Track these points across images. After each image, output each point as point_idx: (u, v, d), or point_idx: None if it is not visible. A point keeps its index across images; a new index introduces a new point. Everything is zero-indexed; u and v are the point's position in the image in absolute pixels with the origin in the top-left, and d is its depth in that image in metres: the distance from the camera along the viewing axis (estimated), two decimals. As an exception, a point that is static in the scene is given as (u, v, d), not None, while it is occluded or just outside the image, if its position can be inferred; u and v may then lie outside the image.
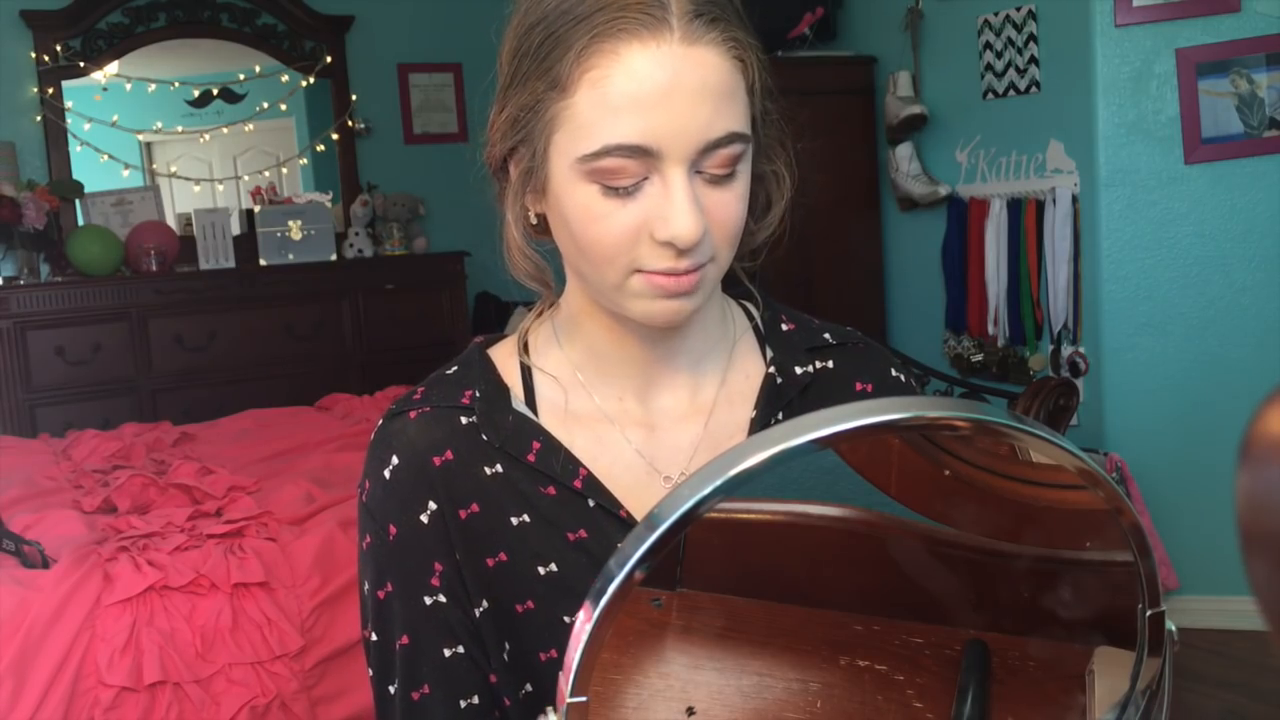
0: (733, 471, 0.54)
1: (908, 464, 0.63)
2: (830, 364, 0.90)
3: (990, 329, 3.40)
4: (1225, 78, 2.88)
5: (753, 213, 0.81)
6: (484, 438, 0.84)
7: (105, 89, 4.23)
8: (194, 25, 4.31)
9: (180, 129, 4.43)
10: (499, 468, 0.83)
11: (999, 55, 3.28)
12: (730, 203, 0.75)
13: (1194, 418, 2.96)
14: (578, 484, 0.82)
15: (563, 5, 0.72)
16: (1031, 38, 3.17)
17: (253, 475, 2.60)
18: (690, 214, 0.71)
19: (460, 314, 4.32)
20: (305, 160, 4.58)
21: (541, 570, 0.82)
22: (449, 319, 4.29)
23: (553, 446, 0.83)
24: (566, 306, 0.86)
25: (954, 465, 0.63)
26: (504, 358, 0.88)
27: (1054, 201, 3.12)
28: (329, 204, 4.38)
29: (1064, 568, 0.68)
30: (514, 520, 0.83)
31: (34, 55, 4.06)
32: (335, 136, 4.51)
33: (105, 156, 4.21)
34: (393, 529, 0.84)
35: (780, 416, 0.86)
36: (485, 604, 0.83)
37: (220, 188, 4.48)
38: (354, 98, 4.52)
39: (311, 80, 4.48)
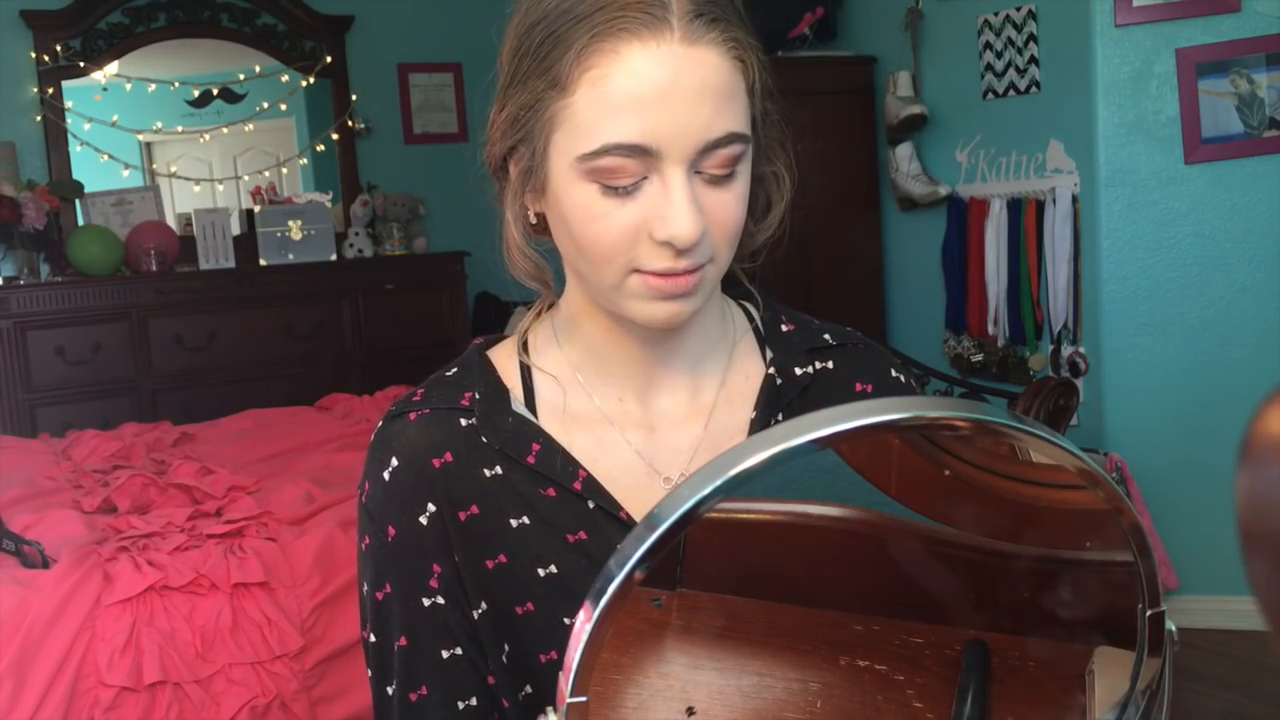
0: (733, 471, 0.54)
1: (908, 464, 0.63)
2: (830, 365, 0.90)
3: (990, 329, 3.40)
4: (1225, 78, 2.88)
5: (752, 214, 0.81)
6: (483, 440, 0.84)
7: (105, 89, 4.23)
8: (194, 25, 4.31)
9: (180, 129, 4.43)
10: (498, 469, 0.83)
11: (999, 55, 3.28)
12: (730, 203, 0.74)
13: (1194, 418, 2.96)
14: (577, 486, 0.82)
15: (563, 5, 0.72)
16: (1031, 38, 3.17)
17: (253, 475, 2.60)
18: (689, 214, 0.71)
19: (460, 314, 4.32)
20: (305, 160, 4.58)
21: (541, 572, 0.82)
22: (449, 319, 4.29)
23: (552, 448, 0.83)
24: (566, 307, 0.86)
25: (954, 465, 0.63)
26: (503, 359, 0.88)
27: (1054, 201, 3.12)
28: (329, 204, 4.38)
29: (1064, 568, 0.68)
30: (513, 522, 0.83)
31: (34, 55, 4.06)
32: (335, 136, 4.51)
33: (105, 156, 4.21)
34: (391, 530, 0.84)
35: (780, 417, 0.86)
36: (484, 606, 0.83)
37: (220, 188, 4.48)
38: (354, 98, 4.52)
39: (311, 80, 4.48)
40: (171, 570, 1.98)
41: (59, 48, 4.08)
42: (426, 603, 0.83)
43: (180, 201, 4.41)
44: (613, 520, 0.82)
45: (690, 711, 0.63)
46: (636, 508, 0.82)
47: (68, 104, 4.12)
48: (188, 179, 4.44)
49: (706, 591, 0.64)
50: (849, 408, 0.55)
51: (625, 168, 0.71)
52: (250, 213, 4.30)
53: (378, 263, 4.29)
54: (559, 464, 0.83)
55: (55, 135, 4.10)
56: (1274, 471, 0.34)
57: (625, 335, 0.84)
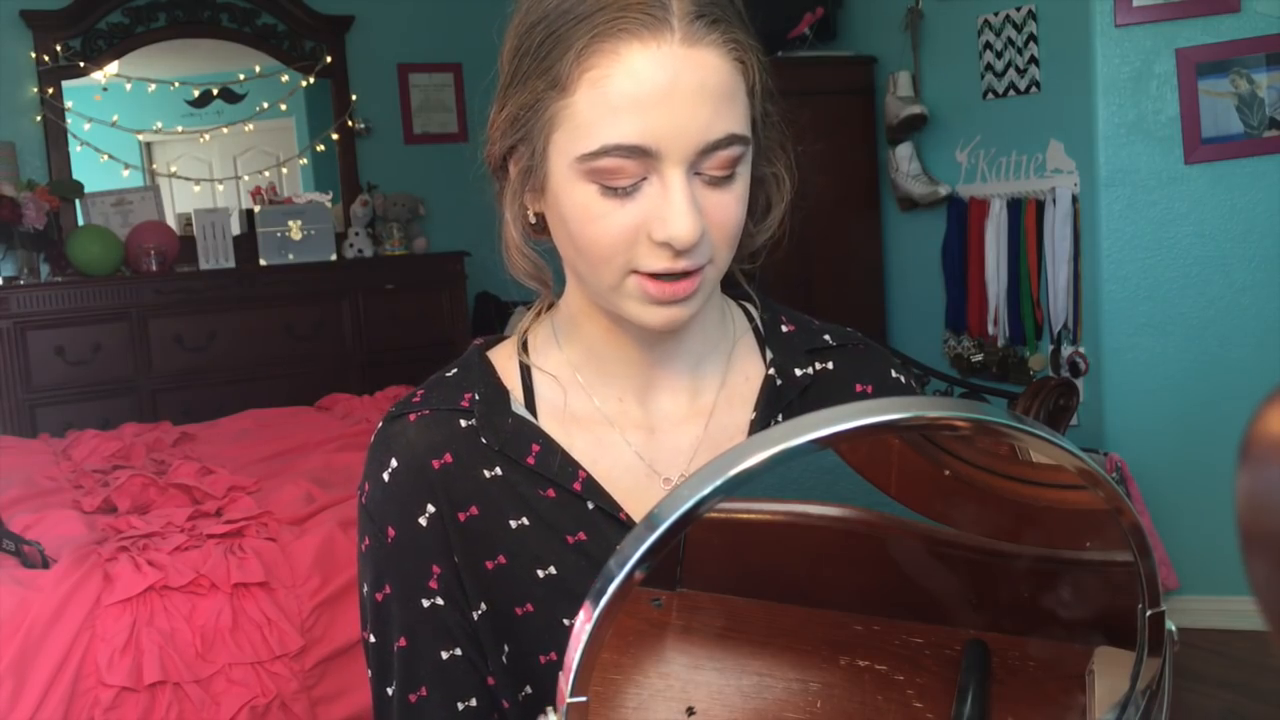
0: (733, 471, 0.54)
1: (908, 464, 0.63)
2: (830, 365, 0.90)
3: (990, 329, 3.40)
4: (1225, 78, 2.88)
5: (752, 215, 0.81)
6: (483, 440, 0.84)
7: (105, 89, 4.23)
8: (194, 25, 4.31)
9: (180, 129, 4.43)
10: (498, 470, 0.83)
11: (999, 55, 3.28)
12: (729, 204, 0.74)
13: (1194, 418, 2.96)
14: (577, 486, 0.82)
15: (564, 5, 0.72)
16: (1031, 38, 3.17)
17: (253, 475, 2.60)
18: (688, 215, 0.71)
19: (460, 314, 4.32)
20: (305, 160, 4.58)
21: (541, 573, 0.82)
22: (449, 319, 4.29)
23: (552, 449, 0.83)
24: (566, 307, 0.86)
25: (954, 465, 0.63)
26: (503, 360, 0.88)
27: (1054, 201, 3.12)
28: (329, 204, 4.38)
29: (1064, 568, 0.68)
30: (513, 523, 0.83)
31: (34, 55, 4.06)
32: (335, 136, 4.51)
33: (105, 156, 4.21)
34: (391, 531, 0.84)
35: (780, 418, 0.86)
36: (484, 606, 0.83)
37: (220, 188, 4.48)
38: (354, 98, 4.52)
39: (311, 80, 4.48)
40: (171, 570, 1.98)
41: (59, 48, 4.08)
42: (426, 603, 0.83)
43: (180, 201, 4.41)
44: (612, 521, 0.82)
45: (690, 711, 0.63)
46: (636, 509, 0.82)
47: (68, 104, 4.12)
48: (188, 179, 4.44)
49: (706, 591, 0.64)
50: (849, 408, 0.55)
51: (625, 168, 0.71)
52: (250, 213, 4.30)
53: (378, 263, 4.29)
54: (558, 465, 0.83)
55: (55, 135, 4.10)
56: (1274, 471, 0.34)
57: (625, 336, 0.84)
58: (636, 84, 0.70)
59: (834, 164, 3.63)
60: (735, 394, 0.88)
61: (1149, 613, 0.64)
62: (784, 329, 0.91)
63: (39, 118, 4.07)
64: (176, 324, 3.90)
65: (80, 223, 4.07)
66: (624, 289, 0.75)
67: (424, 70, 4.62)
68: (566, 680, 0.56)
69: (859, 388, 0.90)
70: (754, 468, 0.54)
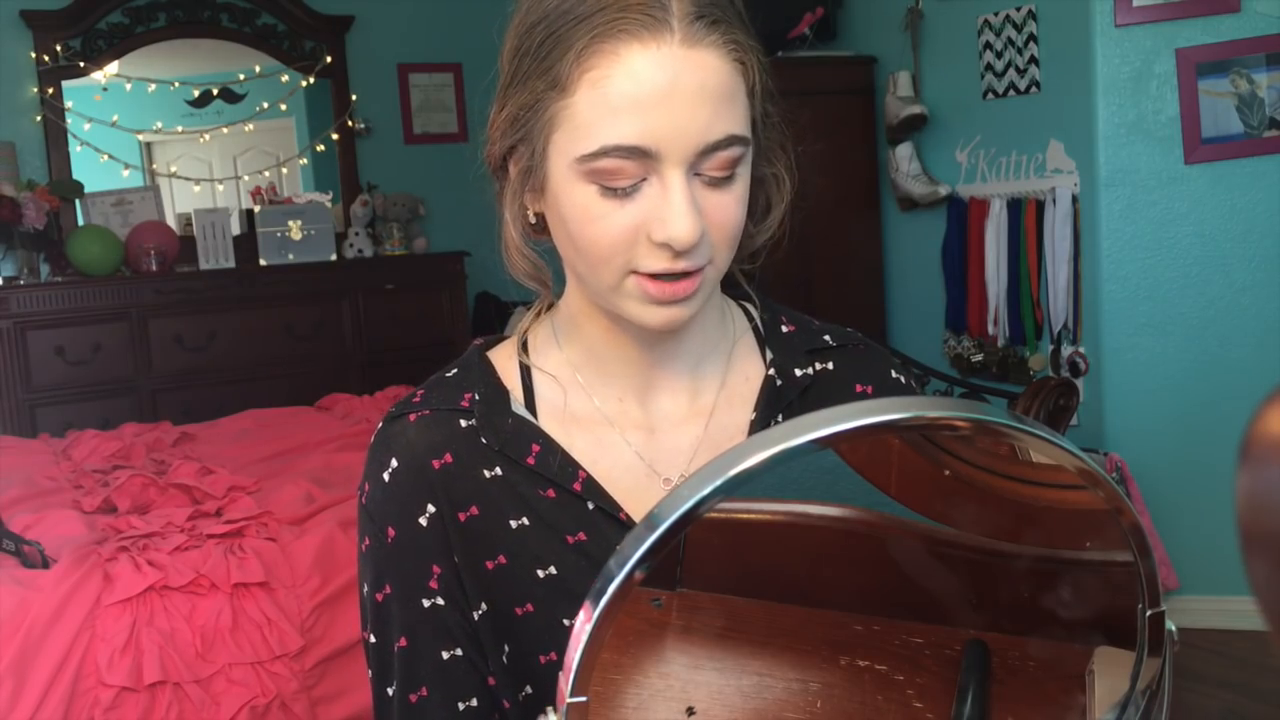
0: (733, 471, 0.54)
1: (908, 464, 0.63)
2: (830, 366, 0.90)
3: (990, 329, 3.40)
4: (1225, 78, 2.88)
5: (752, 215, 0.81)
6: (483, 441, 0.84)
7: (105, 89, 4.23)
8: (194, 25, 4.31)
9: (180, 129, 4.43)
10: (498, 470, 0.83)
11: (999, 55, 3.29)
12: (729, 205, 0.74)
13: (1194, 418, 2.96)
14: (577, 487, 0.82)
15: (564, 5, 0.72)
16: (1031, 38, 3.17)
17: (253, 475, 2.60)
18: (688, 216, 0.71)
19: (460, 314, 4.32)
20: (305, 160, 4.59)
21: (541, 573, 0.82)
22: (449, 319, 4.29)
23: (552, 449, 0.83)
24: (566, 307, 0.86)
25: (954, 465, 0.63)
26: (503, 360, 0.88)
27: (1054, 201, 3.12)
28: (329, 204, 4.38)
29: (1064, 568, 0.68)
30: (513, 523, 0.83)
31: (34, 55, 4.06)
32: (335, 136, 4.51)
33: (105, 156, 4.21)
34: (391, 531, 0.84)
35: (780, 418, 0.86)
36: (484, 606, 0.83)
37: (220, 188, 4.48)
38: (354, 98, 4.53)
39: (311, 80, 4.48)
40: (171, 570, 1.98)
41: (59, 48, 4.08)
42: (426, 603, 0.83)
43: (180, 201, 4.41)
44: (612, 521, 0.82)
45: (690, 711, 0.63)
46: (636, 509, 0.82)
47: (68, 104, 4.12)
48: (188, 179, 4.44)
49: (706, 591, 0.64)
50: (849, 408, 0.55)
51: (624, 169, 0.71)
52: (250, 213, 4.30)
53: (378, 263, 4.29)
54: (558, 465, 0.83)
55: (55, 135, 4.10)
56: (1274, 471, 0.34)
57: (625, 336, 0.84)
58: (636, 85, 0.70)
59: (834, 164, 3.63)
60: (735, 394, 0.88)
61: (1149, 613, 0.64)
62: (784, 329, 0.91)
63: (39, 118, 4.08)
64: (176, 324, 3.90)
65: (80, 223, 4.07)
66: (624, 289, 0.75)
67: (424, 70, 4.62)
68: (566, 680, 0.56)
69: (859, 388, 0.90)
70: (754, 468, 0.54)
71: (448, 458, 0.83)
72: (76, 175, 4.11)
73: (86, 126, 4.17)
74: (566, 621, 0.79)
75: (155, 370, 3.87)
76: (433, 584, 0.83)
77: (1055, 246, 3.11)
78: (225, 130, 4.46)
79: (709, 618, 0.65)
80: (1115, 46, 2.95)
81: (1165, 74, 2.92)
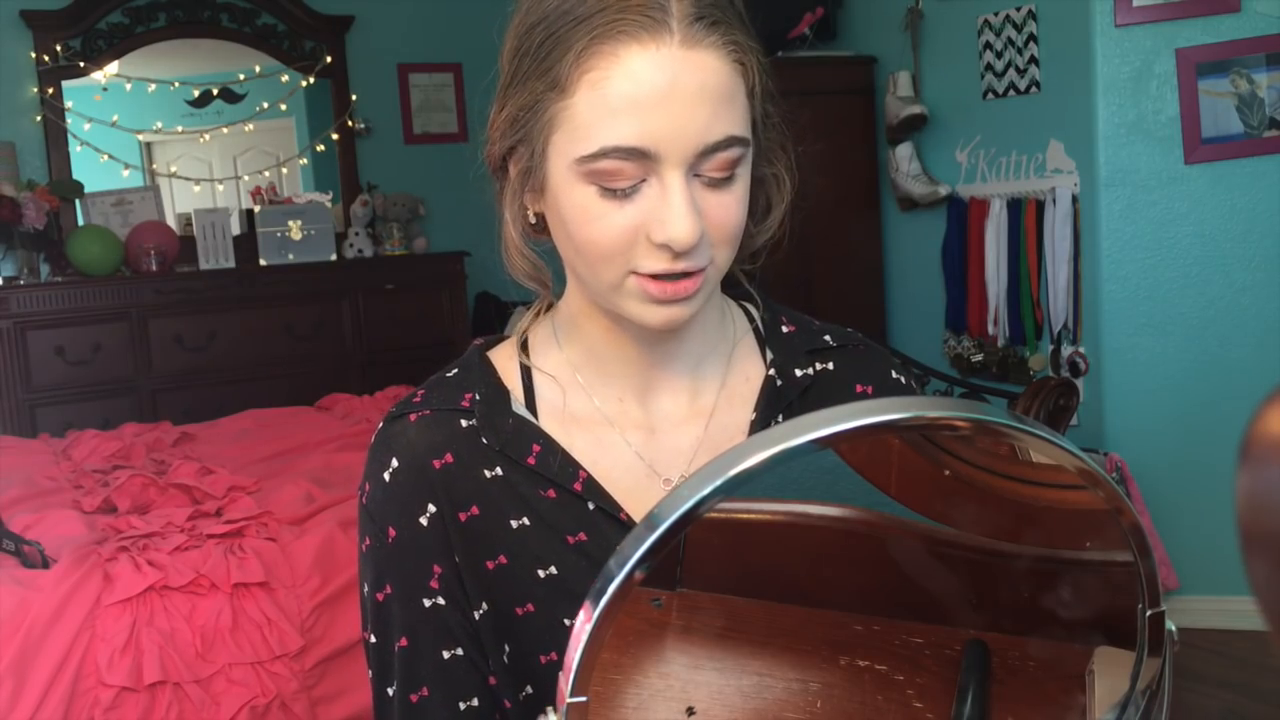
0: (733, 471, 0.54)
1: (908, 464, 0.63)
2: (830, 366, 0.90)
3: (990, 329, 3.40)
4: (1225, 78, 2.88)
5: (752, 216, 0.81)
6: (484, 441, 0.84)
7: (105, 89, 4.23)
8: (194, 25, 4.31)
9: (180, 129, 4.43)
10: (499, 470, 0.83)
11: (999, 55, 3.29)
12: (729, 206, 0.74)
13: (1194, 418, 2.96)
14: (577, 487, 0.82)
15: (563, 6, 0.72)
16: (1031, 38, 3.17)
17: (253, 475, 2.60)
18: (687, 217, 0.71)
19: (460, 314, 4.33)
20: (305, 160, 4.59)
21: (541, 573, 0.82)
22: (449, 319, 4.29)
23: (552, 449, 0.83)
24: (566, 307, 0.86)
25: (954, 465, 0.63)
26: (504, 360, 0.88)
27: (1054, 201, 3.12)
28: (329, 204, 4.38)
29: (1064, 568, 0.68)
30: (514, 523, 0.83)
31: (34, 55, 4.06)
32: (335, 136, 4.51)
33: (105, 156, 4.21)
34: (392, 531, 0.84)
35: (780, 419, 0.86)
36: (485, 606, 0.83)
37: (220, 188, 4.48)
38: (354, 98, 4.53)
39: (311, 80, 4.48)
40: (171, 570, 1.98)
41: (59, 48, 4.08)
42: (427, 603, 0.83)
43: (180, 201, 4.41)
44: (613, 521, 0.82)
45: (690, 711, 0.63)
46: (636, 509, 0.82)
47: (68, 104, 4.12)
48: (188, 179, 4.44)
49: (706, 591, 0.64)
50: (849, 408, 0.55)
51: (624, 170, 0.71)
52: (250, 213, 4.30)
53: (378, 263, 4.29)
54: (559, 465, 0.83)
55: (55, 135, 4.10)
56: (1274, 471, 0.34)
57: (625, 336, 0.84)
58: (635, 86, 0.70)
59: (834, 164, 3.63)
60: (735, 394, 0.88)
61: (1149, 613, 0.64)
62: (784, 329, 0.91)
63: (39, 118, 4.08)
64: (176, 324, 3.90)
65: (80, 223, 4.07)
66: (624, 288, 0.75)
67: (424, 70, 4.62)
68: (566, 680, 0.56)
69: (859, 388, 0.90)
70: (754, 468, 0.54)
71: (448, 458, 0.83)
72: (76, 175, 4.11)
73: (86, 126, 4.17)
74: (567, 621, 0.79)
75: (155, 370, 3.87)
76: (433, 584, 0.83)
77: (1055, 246, 3.11)
78: (225, 130, 4.46)
79: (709, 618, 0.65)
80: (1115, 46, 2.95)
81: (1165, 74, 2.92)
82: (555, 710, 0.58)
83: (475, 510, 0.83)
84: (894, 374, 0.92)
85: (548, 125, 0.74)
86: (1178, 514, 2.94)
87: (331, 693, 2.01)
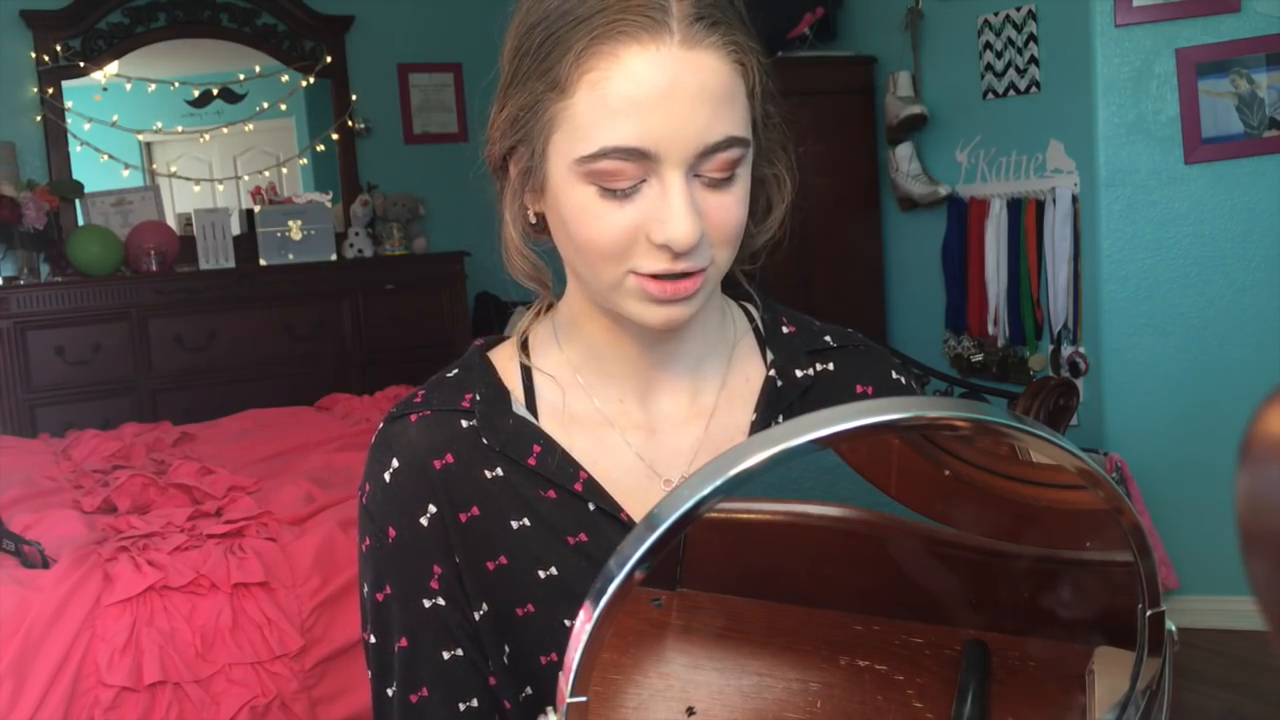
0: (733, 471, 0.54)
1: (908, 464, 0.63)
2: (830, 366, 0.90)
3: (990, 329, 3.40)
4: (1225, 78, 2.88)
5: (753, 216, 0.81)
6: (484, 441, 0.84)
7: (105, 89, 4.23)
8: (194, 25, 4.31)
9: (180, 129, 4.43)
10: (499, 471, 0.83)
11: (999, 55, 3.29)
12: (729, 206, 0.74)
13: (1194, 418, 2.96)
14: (578, 487, 0.82)
15: (564, 6, 0.72)
16: (1031, 38, 3.17)
17: (253, 475, 2.60)
18: (687, 218, 0.71)
19: (460, 314, 4.33)
20: (305, 160, 4.59)
21: (541, 574, 0.82)
22: (449, 319, 4.29)
23: (552, 450, 0.83)
24: (566, 308, 0.86)
25: (954, 465, 0.63)
26: (504, 360, 0.88)
27: (1054, 201, 3.12)
28: (329, 204, 4.38)
29: (1064, 568, 0.68)
30: (514, 524, 0.83)
31: (34, 55, 4.06)
32: (335, 136, 4.51)
33: (105, 156, 4.21)
34: (391, 531, 0.84)
35: (781, 419, 0.86)
36: (485, 607, 0.83)
37: (220, 188, 4.48)
38: (354, 98, 4.53)
39: (311, 80, 4.48)
40: (171, 570, 1.98)
41: (59, 48, 4.08)
42: (427, 604, 0.83)
43: (180, 201, 4.41)
44: (613, 522, 0.82)
45: (690, 711, 0.63)
46: (637, 510, 0.82)
47: (68, 104, 4.12)
48: (188, 179, 4.44)
49: (706, 591, 0.64)
50: (849, 408, 0.55)
51: (624, 171, 0.71)
52: (250, 213, 4.30)
53: (378, 263, 4.29)
54: (559, 465, 0.83)
55: (55, 135, 4.10)
56: (1274, 471, 0.34)
57: (625, 336, 0.84)
58: (635, 86, 0.70)
59: (834, 164, 3.63)
60: (736, 395, 0.88)
61: (1149, 613, 0.64)
62: (785, 330, 0.91)
63: (39, 118, 4.07)
64: (176, 324, 3.90)
65: (80, 223, 4.07)
66: (624, 288, 0.75)
67: (424, 70, 4.62)
68: (566, 680, 0.56)
69: (859, 388, 0.90)
70: (754, 468, 0.54)
71: (449, 458, 0.83)
72: (76, 175, 4.11)
73: (86, 126, 4.17)
74: (567, 622, 0.79)
75: (155, 370, 3.87)
76: (433, 584, 0.83)
77: (1055, 246, 3.11)
78: (225, 130, 4.47)
79: (709, 618, 0.65)
80: (1115, 46, 2.95)
81: (1165, 74, 2.92)
82: (555, 710, 0.58)
83: (476, 511, 0.83)
84: (894, 374, 0.92)
85: (548, 125, 0.74)
86: (1178, 514, 2.94)
87: (331, 693, 2.01)
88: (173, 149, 4.46)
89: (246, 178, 4.51)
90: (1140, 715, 0.65)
